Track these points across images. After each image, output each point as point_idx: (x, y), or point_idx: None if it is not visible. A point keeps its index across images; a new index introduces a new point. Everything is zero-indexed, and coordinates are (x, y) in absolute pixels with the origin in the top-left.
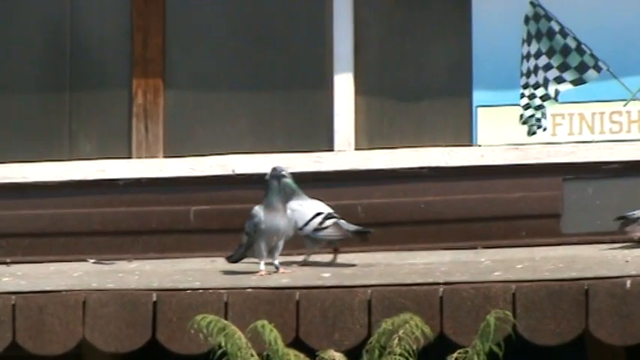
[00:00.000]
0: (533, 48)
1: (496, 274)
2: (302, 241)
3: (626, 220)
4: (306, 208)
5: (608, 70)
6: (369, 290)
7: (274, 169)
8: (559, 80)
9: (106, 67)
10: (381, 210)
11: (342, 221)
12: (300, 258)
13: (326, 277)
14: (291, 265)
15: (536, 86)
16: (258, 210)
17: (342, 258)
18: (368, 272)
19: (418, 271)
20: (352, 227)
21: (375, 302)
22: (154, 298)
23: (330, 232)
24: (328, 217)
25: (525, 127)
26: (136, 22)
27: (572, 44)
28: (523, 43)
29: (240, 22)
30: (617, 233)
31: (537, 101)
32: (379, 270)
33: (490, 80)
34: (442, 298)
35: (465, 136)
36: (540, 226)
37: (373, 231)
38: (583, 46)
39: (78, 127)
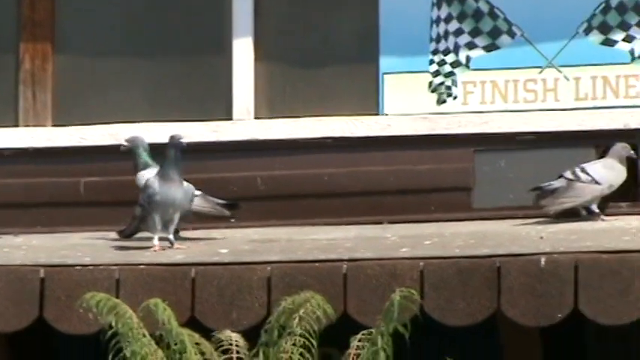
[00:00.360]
0: (444, 12)
1: (403, 250)
2: None
3: (542, 192)
4: None
5: (522, 35)
6: (269, 267)
7: (172, 137)
8: (470, 46)
9: None
10: (282, 182)
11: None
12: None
13: (223, 253)
14: (186, 241)
15: (446, 52)
16: (153, 180)
17: (240, 232)
18: (268, 248)
19: (321, 247)
20: (220, 200)
21: (275, 280)
22: (42, 275)
23: (197, 204)
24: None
25: (435, 96)
26: None
27: (485, 8)
28: (433, 7)
29: None
30: (532, 207)
31: (447, 68)
32: (280, 246)
33: (398, 46)
34: (346, 276)
35: (371, 104)
36: (450, 200)
37: (242, 205)
38: (496, 10)
39: None
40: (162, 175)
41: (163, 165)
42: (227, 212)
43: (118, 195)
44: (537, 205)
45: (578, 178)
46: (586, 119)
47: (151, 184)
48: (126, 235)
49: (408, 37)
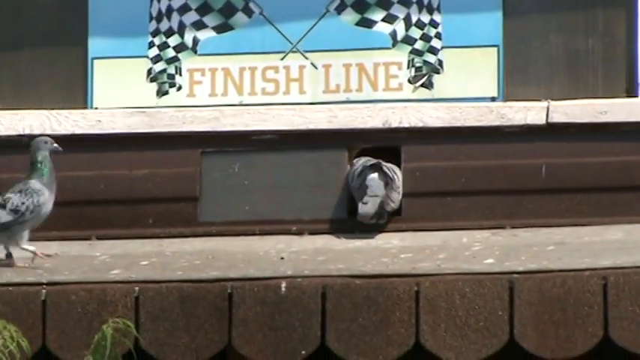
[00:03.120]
0: None
1: (114, 272)
2: None
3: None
4: None
5: (261, 13)
6: None
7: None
8: (198, 26)
9: None
10: None
11: None
12: None
13: None
14: None
15: (169, 33)
16: (41, 187)
17: None
18: None
19: (15, 268)
20: None
21: None
22: None
23: None
24: None
25: (155, 86)
26: None
27: None
28: None
29: None
30: (271, 222)
31: (170, 52)
32: None
33: (110, 25)
34: (45, 303)
35: (77, 96)
36: (172, 211)
37: None
38: None
39: None
40: (46, 182)
41: (42, 170)
42: None
43: None
44: None
45: (392, 180)
46: (338, 115)
47: (40, 191)
48: None
49: (122, 14)
